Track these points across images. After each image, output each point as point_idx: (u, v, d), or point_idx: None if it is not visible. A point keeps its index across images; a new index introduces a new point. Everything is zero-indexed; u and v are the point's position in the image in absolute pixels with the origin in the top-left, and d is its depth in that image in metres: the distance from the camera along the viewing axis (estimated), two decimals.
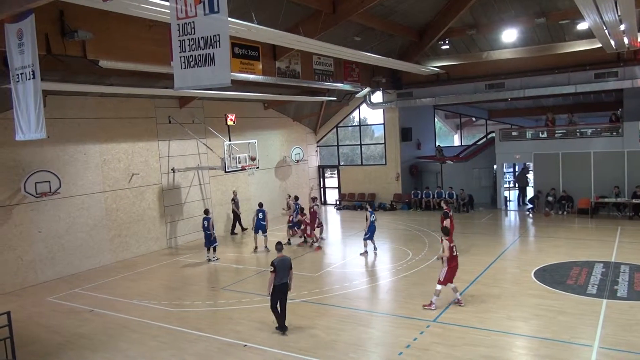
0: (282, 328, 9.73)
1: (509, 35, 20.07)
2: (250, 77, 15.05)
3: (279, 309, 9.74)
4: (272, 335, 9.72)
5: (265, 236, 17.03)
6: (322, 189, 28.39)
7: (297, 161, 25.46)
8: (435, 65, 22.45)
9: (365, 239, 15.88)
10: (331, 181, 28.95)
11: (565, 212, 21.01)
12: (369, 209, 15.91)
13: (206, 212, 16.45)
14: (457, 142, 33.19)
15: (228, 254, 16.98)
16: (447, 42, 21.10)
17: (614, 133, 21.02)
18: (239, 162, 18.14)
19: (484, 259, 14.40)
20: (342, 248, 17.74)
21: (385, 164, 26.12)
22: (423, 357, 8.45)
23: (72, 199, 15.48)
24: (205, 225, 15.89)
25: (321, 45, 14.69)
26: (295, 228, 18.10)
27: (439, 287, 10.70)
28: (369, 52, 17.67)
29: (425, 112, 28.09)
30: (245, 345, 9.30)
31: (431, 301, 10.71)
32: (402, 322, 10.15)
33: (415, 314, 10.42)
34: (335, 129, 27.76)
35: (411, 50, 22.02)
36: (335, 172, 28.25)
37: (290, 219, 18.34)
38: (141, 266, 15.91)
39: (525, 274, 12.82)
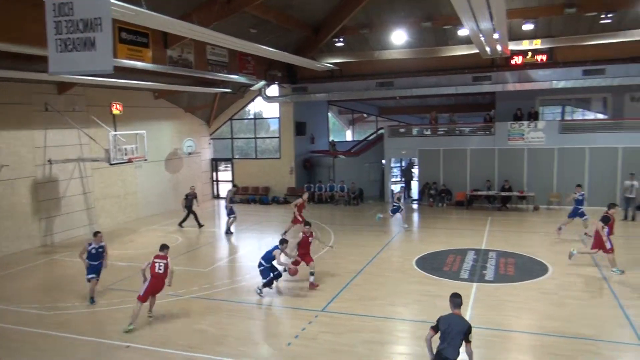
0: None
1: (399, 36, 21.09)
2: (139, 64, 14.33)
3: None
4: (158, 333, 9.41)
5: None
6: (214, 182, 27.86)
7: (189, 154, 24.72)
8: (329, 62, 22.97)
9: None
10: (225, 174, 28.52)
11: (444, 204, 22.69)
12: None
13: None
14: (349, 137, 34.31)
15: (113, 251, 16.07)
16: (341, 39, 21.66)
17: (487, 132, 23.06)
18: (125, 154, 17.19)
19: (372, 250, 15.11)
20: (234, 242, 17.59)
21: (280, 157, 26.30)
22: (311, 346, 8.69)
23: None
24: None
25: (215, 36, 14.36)
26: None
27: None
28: (265, 45, 17.61)
29: (320, 107, 28.69)
30: (128, 346, 8.89)
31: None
32: (292, 314, 10.35)
33: (305, 305, 10.67)
34: (229, 122, 27.36)
35: (307, 45, 22.30)
36: (229, 165, 27.88)
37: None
38: (13, 266, 14.50)
39: (407, 263, 13.67)
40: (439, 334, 6.35)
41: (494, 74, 22.36)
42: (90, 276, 11.05)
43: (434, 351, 6.35)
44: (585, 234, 15.26)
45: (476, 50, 18.95)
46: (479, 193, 22.19)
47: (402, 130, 26.18)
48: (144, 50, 14.24)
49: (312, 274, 11.78)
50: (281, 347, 8.78)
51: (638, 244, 15.54)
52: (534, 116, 22.20)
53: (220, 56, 18.74)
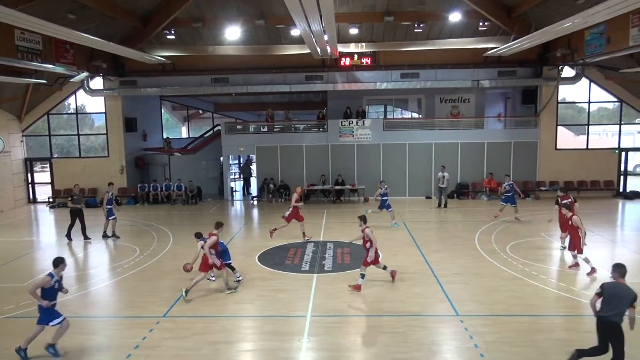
0: None
1: (233, 32, 20.96)
2: None
3: None
4: None
5: None
6: (30, 185, 24.66)
7: None
8: (160, 55, 21.89)
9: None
10: (42, 176, 25.41)
11: (283, 200, 23.28)
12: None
13: None
14: (184, 134, 33.17)
15: None
16: (173, 32, 20.77)
17: (321, 129, 24.25)
18: None
19: None
20: (56, 251, 15.75)
21: (108, 156, 24.30)
22: (152, 355, 8.19)
23: None
24: None
25: (23, 18, 12.64)
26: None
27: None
28: (86, 33, 16.04)
29: (152, 102, 27.17)
30: None
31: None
32: (131, 323, 9.63)
33: (144, 312, 10.02)
34: (46, 117, 24.39)
35: (135, 36, 20.93)
36: (48, 165, 24.89)
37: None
38: None
39: (250, 259, 13.71)
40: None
41: (325, 74, 23.61)
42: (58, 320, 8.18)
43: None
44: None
45: (308, 51, 19.77)
46: (315, 187, 23.22)
47: (239, 127, 26.20)
48: None
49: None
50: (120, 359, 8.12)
51: (451, 228, 17.72)
52: (361, 114, 23.96)
53: (33, 42, 16.64)
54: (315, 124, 25.01)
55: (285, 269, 12.78)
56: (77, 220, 16.22)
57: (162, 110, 29.45)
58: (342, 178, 23.03)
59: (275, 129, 25.01)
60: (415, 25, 20.21)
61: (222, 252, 11.24)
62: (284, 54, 22.53)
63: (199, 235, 11.64)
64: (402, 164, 23.52)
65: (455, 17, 19.80)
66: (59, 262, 8.29)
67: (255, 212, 21.76)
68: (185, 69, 23.58)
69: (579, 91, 24.14)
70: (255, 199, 23.97)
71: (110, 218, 16.54)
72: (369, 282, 11.55)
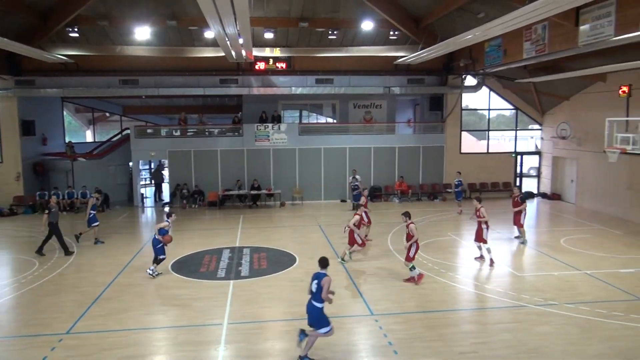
0: None
1: (142, 32, 20.14)
2: None
3: None
4: None
5: None
6: None
7: None
8: (62, 54, 20.52)
9: None
10: None
11: (197, 205, 22.68)
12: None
13: None
14: (90, 138, 31.29)
15: None
16: (76, 29, 19.49)
17: (236, 133, 23.93)
18: None
19: (123, 258, 14.10)
20: None
21: (2, 161, 22.31)
22: None
23: None
24: None
25: None
26: None
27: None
28: None
29: (52, 104, 25.33)
30: None
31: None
32: (30, 342, 8.89)
33: (45, 330, 9.29)
34: None
35: (33, 33, 19.45)
36: None
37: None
38: None
39: (163, 268, 13.17)
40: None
41: (240, 78, 23.39)
42: None
43: None
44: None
45: (223, 54, 19.47)
46: (231, 192, 22.87)
47: (150, 130, 25.15)
48: None
49: None
50: None
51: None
52: (277, 119, 23.97)
53: None
54: (230, 128, 24.64)
55: (200, 276, 12.45)
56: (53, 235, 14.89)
57: (65, 113, 27.57)
58: (258, 183, 22.87)
59: (188, 133, 24.31)
60: (329, 32, 20.60)
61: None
62: (197, 57, 22.01)
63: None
64: (317, 168, 23.83)
65: (367, 25, 20.45)
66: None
67: None
68: (90, 69, 22.27)
69: (480, 99, 25.92)
70: (167, 205, 23.12)
71: (93, 225, 15.94)
72: (287, 287, 11.58)
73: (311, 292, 7.89)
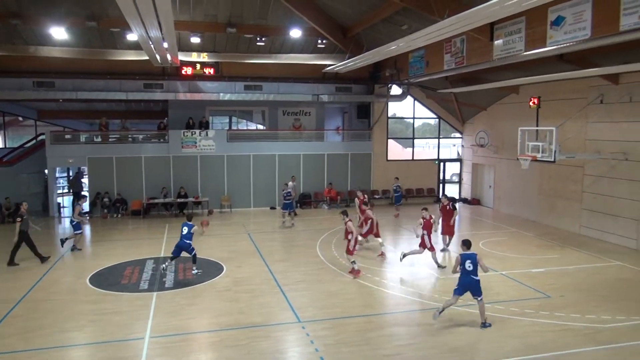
0: None
1: (59, 32, 19.02)
2: None
3: None
4: None
5: None
6: None
7: None
8: None
9: None
10: None
11: (119, 215, 21.70)
12: None
13: None
14: (0, 144, 29.12)
15: None
16: None
17: (162, 139, 23.18)
18: None
19: (33, 273, 13.18)
20: None
21: None
22: None
23: None
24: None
25: None
26: None
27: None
28: None
29: None
30: None
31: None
32: None
33: None
34: None
35: None
36: None
37: None
38: None
39: (80, 282, 12.47)
40: None
41: (166, 82, 22.74)
42: None
43: None
44: None
45: (147, 57, 18.82)
46: (156, 201, 22.08)
47: (67, 136, 23.83)
48: None
49: None
50: None
51: (294, 237, 18.21)
52: (204, 125, 23.48)
53: None
54: (155, 134, 23.82)
55: (121, 289, 11.89)
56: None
57: None
58: (184, 190, 22.24)
59: (110, 139, 23.24)
60: (258, 39, 20.51)
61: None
62: (120, 60, 21.11)
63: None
64: (246, 175, 23.57)
65: (295, 33, 20.56)
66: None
67: (87, 229, 19.86)
68: (0, 69, 20.76)
69: (405, 108, 26.84)
70: (86, 215, 21.90)
71: (76, 232, 15.79)
72: (214, 297, 11.34)
73: (466, 270, 9.46)
